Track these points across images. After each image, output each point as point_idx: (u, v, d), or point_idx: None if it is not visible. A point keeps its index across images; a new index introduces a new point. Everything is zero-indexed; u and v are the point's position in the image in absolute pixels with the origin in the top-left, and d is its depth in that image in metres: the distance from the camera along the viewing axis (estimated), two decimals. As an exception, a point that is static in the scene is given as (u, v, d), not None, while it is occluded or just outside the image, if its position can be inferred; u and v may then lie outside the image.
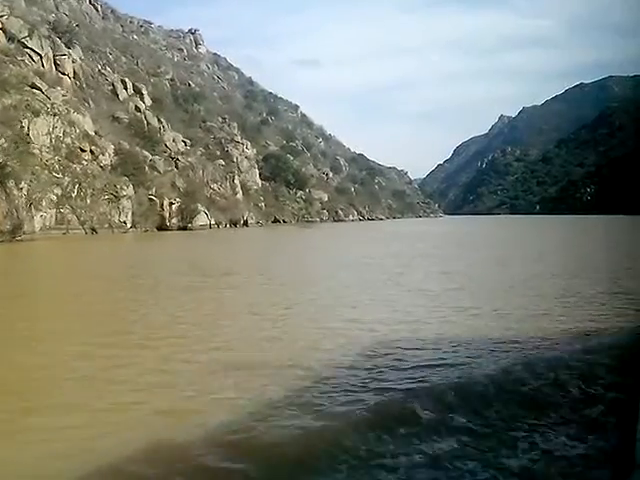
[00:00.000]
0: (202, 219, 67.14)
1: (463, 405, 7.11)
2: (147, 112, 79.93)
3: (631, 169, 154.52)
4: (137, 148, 69.58)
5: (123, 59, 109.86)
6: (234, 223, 77.48)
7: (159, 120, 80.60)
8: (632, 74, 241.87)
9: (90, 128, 62.58)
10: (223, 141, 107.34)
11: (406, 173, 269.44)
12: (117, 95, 79.19)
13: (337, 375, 8.46)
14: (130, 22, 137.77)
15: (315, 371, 8.69)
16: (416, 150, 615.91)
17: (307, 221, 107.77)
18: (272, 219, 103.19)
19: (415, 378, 8.28)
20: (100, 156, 59.17)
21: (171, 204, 64.23)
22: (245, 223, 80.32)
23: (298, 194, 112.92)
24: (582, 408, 7.15)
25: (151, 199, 62.89)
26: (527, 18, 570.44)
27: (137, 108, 79.14)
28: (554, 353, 9.53)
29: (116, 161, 60.65)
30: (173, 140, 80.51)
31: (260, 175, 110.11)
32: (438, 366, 8.90)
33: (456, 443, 6.15)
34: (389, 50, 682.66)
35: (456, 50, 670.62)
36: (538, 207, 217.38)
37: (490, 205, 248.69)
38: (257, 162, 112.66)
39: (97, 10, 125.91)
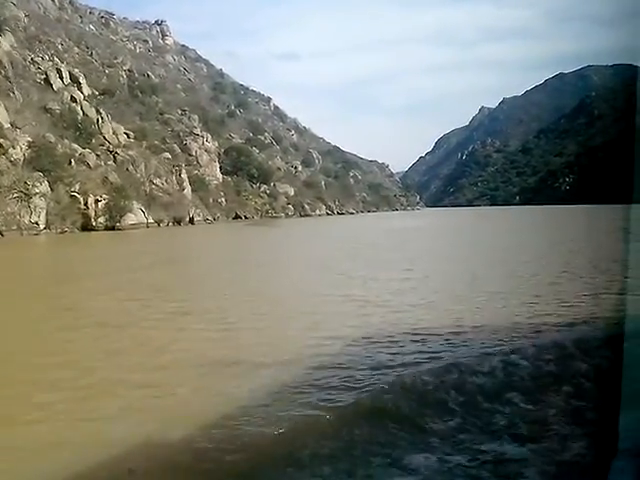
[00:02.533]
0: (133, 218, 59.40)
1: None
2: (84, 103, 72.24)
3: (609, 158, 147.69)
4: (65, 140, 62.15)
5: (76, 49, 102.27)
6: (178, 221, 69.83)
7: (98, 111, 72.88)
8: (611, 63, 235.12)
9: (4, 119, 55.14)
10: (181, 134, 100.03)
11: (387, 166, 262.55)
12: (51, 85, 71.39)
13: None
14: (90, 13, 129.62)
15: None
16: (399, 143, 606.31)
17: (271, 217, 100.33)
18: (233, 215, 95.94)
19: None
20: (10, 150, 51.67)
21: (97, 201, 56.61)
22: (191, 221, 72.60)
23: (262, 188, 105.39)
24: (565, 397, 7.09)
25: (73, 196, 55.36)
26: (506, 9, 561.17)
27: (73, 98, 71.44)
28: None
29: (30, 155, 53.11)
30: (113, 132, 72.89)
31: (221, 169, 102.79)
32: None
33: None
34: (369, 43, 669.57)
35: (436, 42, 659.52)
36: (518, 198, 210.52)
37: (470, 197, 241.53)
38: (219, 155, 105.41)
39: (53, 1, 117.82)
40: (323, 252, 30.14)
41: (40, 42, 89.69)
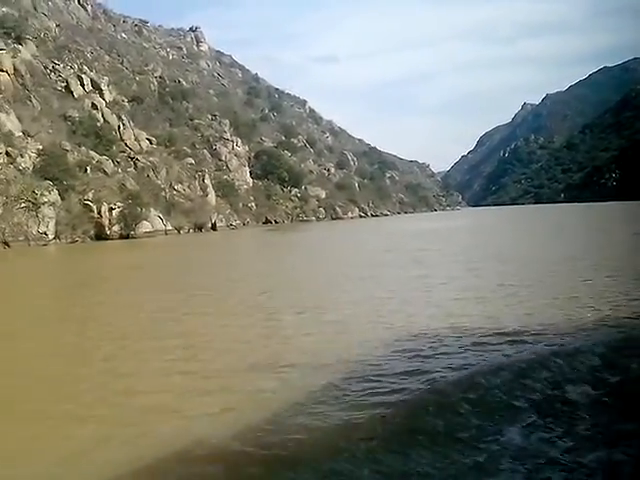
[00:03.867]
0: (148, 225, 57.01)
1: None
2: (106, 110, 70.55)
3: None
4: (82, 148, 60.33)
5: (106, 57, 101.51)
6: (199, 227, 67.30)
7: (119, 118, 71.13)
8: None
9: (16, 128, 53.60)
10: (211, 139, 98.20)
11: (428, 166, 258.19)
12: (72, 92, 69.92)
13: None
14: (124, 22, 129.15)
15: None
16: (440, 142, 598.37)
17: (301, 220, 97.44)
18: (263, 219, 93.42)
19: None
20: (18, 158, 49.92)
21: (111, 209, 54.41)
22: (213, 227, 69.94)
23: (293, 192, 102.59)
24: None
25: (87, 205, 53.35)
26: (543, 4, 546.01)
27: (94, 105, 69.84)
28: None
29: (39, 163, 51.31)
30: (135, 139, 71.02)
31: (251, 174, 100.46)
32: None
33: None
34: (406, 43, 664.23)
35: (474, 39, 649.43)
36: (563, 195, 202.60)
37: (514, 195, 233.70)
38: (249, 160, 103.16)
39: (86, 10, 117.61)
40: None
41: (69, 51, 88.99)
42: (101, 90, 73.51)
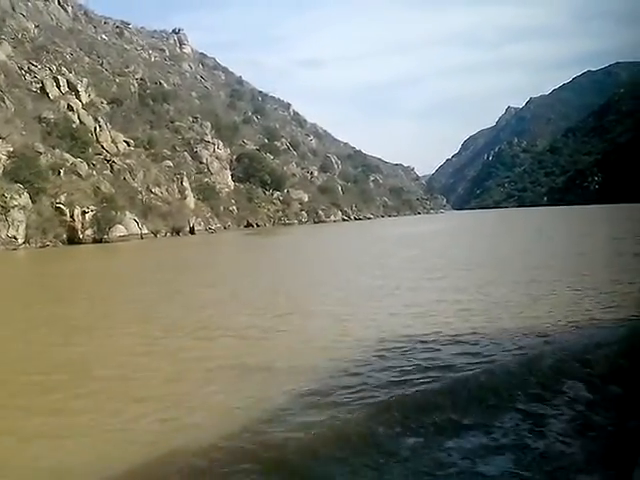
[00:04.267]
0: (123, 229, 55.61)
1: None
2: (82, 111, 69.11)
3: (636, 155, 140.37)
4: (56, 150, 58.92)
5: (86, 59, 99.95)
6: (177, 231, 65.95)
7: (96, 120, 69.70)
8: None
9: (-15, 129, 52.17)
10: (192, 141, 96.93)
11: (412, 169, 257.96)
12: (47, 94, 68.45)
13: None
14: (105, 23, 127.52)
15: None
16: (424, 146, 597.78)
17: (284, 224, 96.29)
18: (245, 223, 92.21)
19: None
20: (-14, 161, 48.51)
21: (84, 213, 53.02)
22: (191, 230, 68.60)
23: (275, 195, 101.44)
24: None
25: (59, 208, 51.94)
26: (528, 9, 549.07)
27: (70, 107, 68.38)
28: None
29: (9, 166, 49.87)
30: (112, 141, 69.62)
31: (233, 177, 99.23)
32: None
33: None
34: (392, 46, 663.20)
35: (459, 44, 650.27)
36: (546, 198, 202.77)
37: (497, 198, 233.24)
38: (231, 163, 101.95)
39: (66, 11, 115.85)
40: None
41: (48, 52, 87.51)
42: (77, 91, 72.09)
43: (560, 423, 6.51)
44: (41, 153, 55.77)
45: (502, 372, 8.02)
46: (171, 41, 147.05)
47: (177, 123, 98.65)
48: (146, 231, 60.17)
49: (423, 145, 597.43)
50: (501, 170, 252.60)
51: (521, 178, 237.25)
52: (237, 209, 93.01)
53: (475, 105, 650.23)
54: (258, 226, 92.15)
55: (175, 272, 26.28)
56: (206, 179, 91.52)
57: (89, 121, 68.44)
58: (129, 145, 71.90)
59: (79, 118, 67.72)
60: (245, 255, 36.38)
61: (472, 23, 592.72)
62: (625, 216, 61.08)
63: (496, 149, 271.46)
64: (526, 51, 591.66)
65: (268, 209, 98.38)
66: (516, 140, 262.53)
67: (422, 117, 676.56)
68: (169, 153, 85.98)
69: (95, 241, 52.71)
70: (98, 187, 58.10)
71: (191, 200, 74.49)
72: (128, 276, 26.37)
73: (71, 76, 75.50)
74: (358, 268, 23.86)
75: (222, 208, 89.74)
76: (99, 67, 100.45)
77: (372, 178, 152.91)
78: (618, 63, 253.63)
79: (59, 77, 71.45)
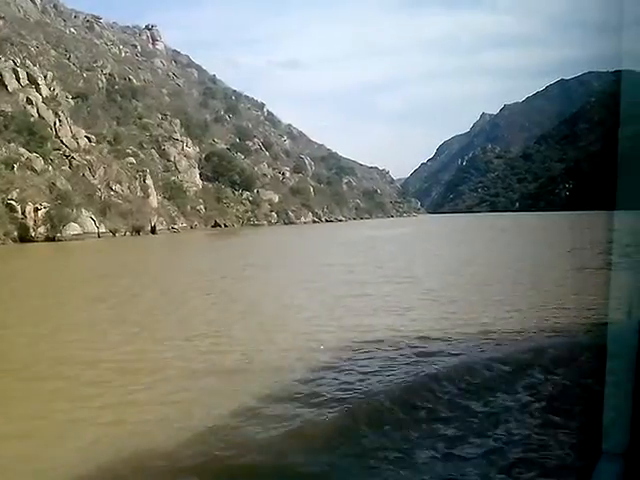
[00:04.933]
0: (77, 227, 53.05)
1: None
2: (41, 105, 66.31)
3: (606, 163, 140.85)
4: (11, 144, 56.18)
5: (52, 52, 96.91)
6: (137, 230, 63.32)
7: (56, 114, 66.96)
8: (612, 69, 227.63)
9: None
10: (160, 139, 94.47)
11: (387, 172, 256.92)
12: (5, 86, 65.55)
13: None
14: (75, 17, 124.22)
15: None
16: (400, 149, 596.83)
17: (252, 224, 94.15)
18: (212, 223, 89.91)
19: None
20: None
21: (37, 210, 50.44)
22: (153, 230, 66.01)
23: (244, 195, 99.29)
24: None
25: (10, 205, 49.32)
26: (505, 16, 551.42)
27: (29, 100, 65.57)
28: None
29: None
30: (73, 136, 66.90)
31: (202, 176, 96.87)
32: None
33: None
34: (369, 50, 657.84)
35: (436, 49, 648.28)
36: (518, 204, 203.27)
37: (470, 203, 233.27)
38: (200, 161, 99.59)
39: (34, 3, 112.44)
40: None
41: (12, 44, 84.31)
42: (38, 85, 69.12)
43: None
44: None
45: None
46: (144, 37, 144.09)
47: (145, 120, 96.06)
48: (104, 230, 57.66)
49: (399, 149, 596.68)
50: (474, 175, 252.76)
51: (494, 184, 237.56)
52: (205, 209, 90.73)
53: (450, 110, 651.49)
54: (226, 226, 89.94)
55: (83, 281, 23.51)
56: (173, 177, 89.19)
57: (49, 115, 65.68)
58: (90, 141, 69.18)
59: (38, 112, 64.91)
60: (184, 260, 33.97)
61: (449, 29, 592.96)
62: (589, 224, 60.08)
63: (470, 154, 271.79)
64: (501, 58, 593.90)
65: (237, 209, 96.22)
66: (490, 146, 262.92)
67: (398, 121, 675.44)
68: (136, 150, 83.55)
69: (48, 239, 50.14)
70: (54, 183, 55.50)
71: (154, 198, 72.00)
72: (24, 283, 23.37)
73: (35, 69, 72.35)
74: (286, 280, 21.93)
75: (189, 207, 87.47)
76: (66, 61, 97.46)
77: (345, 180, 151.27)
78: (591, 72, 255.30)
79: (19, 69, 68.28)
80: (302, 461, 5.81)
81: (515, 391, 7.67)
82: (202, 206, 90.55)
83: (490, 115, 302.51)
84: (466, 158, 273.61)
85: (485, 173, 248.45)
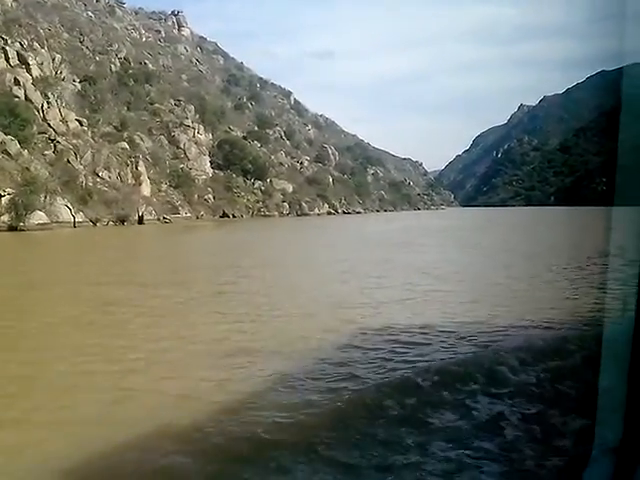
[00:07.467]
0: (43, 215, 48.10)
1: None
2: (29, 86, 61.67)
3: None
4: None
5: (65, 35, 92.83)
6: (122, 220, 58.02)
7: (45, 96, 62.28)
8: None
9: None
10: (170, 125, 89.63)
11: (421, 164, 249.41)
12: (-7, 65, 61.22)
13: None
14: (97, 1, 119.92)
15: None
16: (435, 141, 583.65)
17: (263, 215, 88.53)
18: (221, 213, 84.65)
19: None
20: None
21: (0, 196, 45.72)
22: (140, 220, 60.62)
23: (256, 185, 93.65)
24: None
25: (-29, 191, 44.72)
26: (544, 7, 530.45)
27: (17, 81, 61.04)
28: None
29: None
30: (63, 120, 62.16)
31: (212, 164, 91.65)
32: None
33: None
34: (405, 41, 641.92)
35: (473, 40, 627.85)
36: (553, 198, 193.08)
37: (504, 196, 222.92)
38: (212, 149, 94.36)
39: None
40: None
41: (20, 26, 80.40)
42: (28, 65, 64.52)
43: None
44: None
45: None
46: (169, 23, 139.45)
47: (157, 105, 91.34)
48: (82, 219, 52.69)
49: (434, 140, 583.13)
50: (509, 168, 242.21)
51: (529, 177, 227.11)
52: (213, 198, 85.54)
53: (487, 102, 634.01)
54: (234, 217, 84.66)
55: None
56: (182, 165, 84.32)
57: (37, 97, 61.02)
58: (81, 124, 64.29)
59: (25, 94, 60.31)
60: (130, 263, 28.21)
61: (487, 20, 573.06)
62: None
63: (505, 146, 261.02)
64: (540, 49, 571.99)
65: (247, 199, 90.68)
66: (526, 138, 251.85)
67: (433, 112, 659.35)
68: (141, 135, 78.97)
69: (11, 229, 45.39)
70: (27, 168, 50.68)
71: (147, 186, 66.79)
72: None
73: (40, 50, 68.01)
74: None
75: (197, 196, 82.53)
76: (79, 44, 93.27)
77: (371, 171, 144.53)
78: (635, 64, 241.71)
79: (7, 49, 63.79)
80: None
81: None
82: (210, 195, 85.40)
83: (528, 107, 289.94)
84: (501, 150, 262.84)
85: (520, 166, 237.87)
